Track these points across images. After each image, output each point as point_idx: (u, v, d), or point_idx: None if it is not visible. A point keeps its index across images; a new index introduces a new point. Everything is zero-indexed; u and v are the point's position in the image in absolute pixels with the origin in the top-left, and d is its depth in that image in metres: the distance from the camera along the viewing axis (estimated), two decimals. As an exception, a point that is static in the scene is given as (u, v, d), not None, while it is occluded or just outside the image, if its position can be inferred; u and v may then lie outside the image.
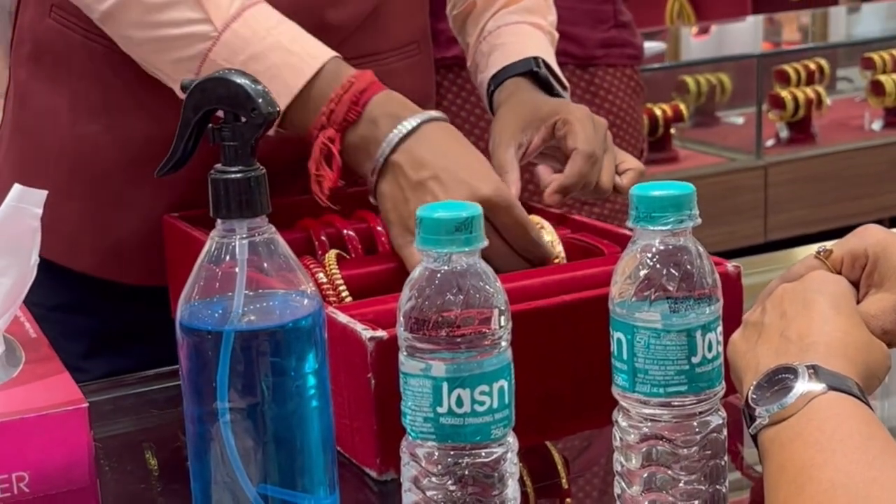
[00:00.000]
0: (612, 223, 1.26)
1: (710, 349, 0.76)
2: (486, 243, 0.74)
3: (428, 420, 0.74)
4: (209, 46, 1.05)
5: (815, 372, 0.72)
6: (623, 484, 0.78)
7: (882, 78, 4.02)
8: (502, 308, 0.74)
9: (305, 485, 0.74)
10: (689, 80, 3.96)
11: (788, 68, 3.98)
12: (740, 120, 4.04)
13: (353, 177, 1.06)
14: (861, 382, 0.74)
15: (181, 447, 0.84)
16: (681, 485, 0.76)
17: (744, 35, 4.76)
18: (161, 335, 1.03)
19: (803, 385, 0.72)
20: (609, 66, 1.97)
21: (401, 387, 0.75)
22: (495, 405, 0.74)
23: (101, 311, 1.27)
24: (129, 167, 1.20)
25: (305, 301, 0.74)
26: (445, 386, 0.73)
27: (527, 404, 0.79)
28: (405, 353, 0.74)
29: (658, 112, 3.68)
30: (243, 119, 0.73)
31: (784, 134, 3.94)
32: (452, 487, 0.74)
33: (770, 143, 3.90)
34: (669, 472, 0.76)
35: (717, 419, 0.77)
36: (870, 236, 0.85)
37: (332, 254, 1.04)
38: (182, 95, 0.95)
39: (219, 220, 0.73)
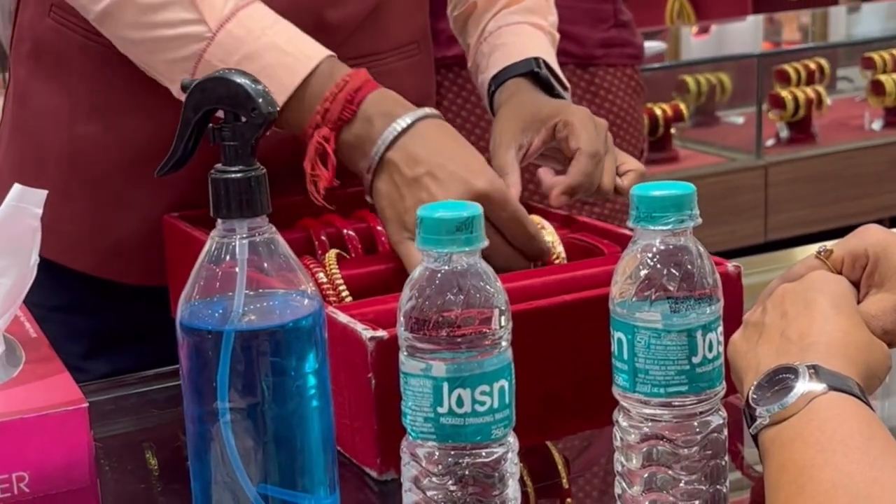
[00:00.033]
0: (612, 223, 1.26)
1: (710, 349, 0.76)
2: (486, 243, 0.74)
3: (428, 420, 0.74)
4: (204, 47, 1.05)
5: (816, 372, 0.72)
6: (624, 484, 0.78)
7: (882, 78, 4.02)
8: (503, 308, 0.74)
9: (306, 485, 0.74)
10: (689, 79, 3.95)
11: (788, 68, 3.98)
12: (740, 120, 4.04)
13: (348, 176, 1.06)
14: (862, 382, 0.74)
15: (181, 447, 0.84)
16: (681, 485, 0.76)
17: (744, 35, 4.76)
18: (161, 335, 1.03)
19: (804, 385, 0.72)
20: (609, 66, 1.96)
21: (401, 387, 0.75)
22: (496, 405, 0.74)
23: (101, 311, 1.27)
24: (129, 167, 1.20)
25: (306, 301, 0.74)
26: (446, 386, 0.73)
27: (527, 404, 0.79)
28: (405, 353, 0.74)
29: (658, 112, 3.68)
30: (243, 119, 0.73)
31: (784, 134, 3.94)
32: (453, 487, 0.74)
33: (770, 142, 3.90)
34: (670, 472, 0.76)
35: (717, 419, 0.77)
36: (870, 236, 0.85)
37: (332, 254, 1.04)
38: (179, 95, 0.95)
39: (219, 220, 0.73)
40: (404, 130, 1.03)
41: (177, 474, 0.89)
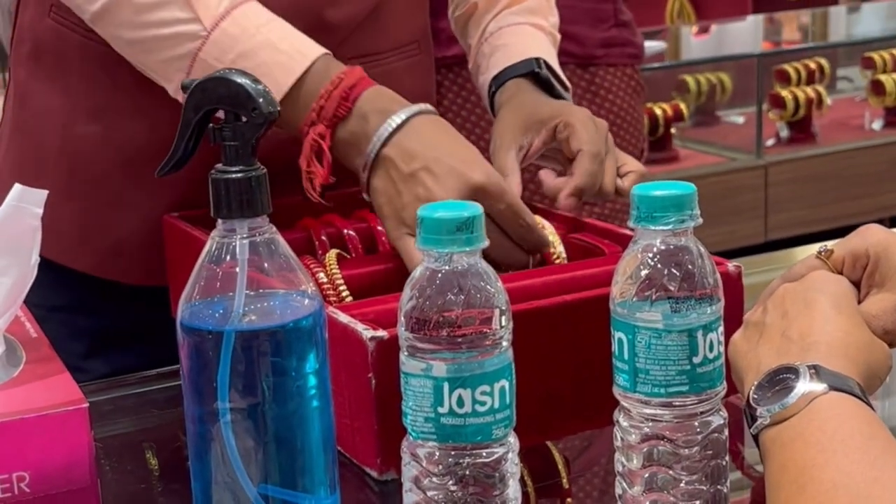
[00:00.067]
0: (612, 223, 1.26)
1: (711, 349, 0.76)
2: (487, 243, 0.74)
3: (429, 420, 0.74)
4: (199, 46, 1.05)
5: (817, 372, 0.72)
6: (624, 484, 0.78)
7: (882, 77, 4.02)
8: (503, 308, 0.74)
9: (306, 485, 0.74)
10: (689, 79, 3.96)
11: (789, 68, 3.98)
12: (740, 119, 4.04)
13: (345, 174, 1.06)
14: (862, 382, 0.73)
15: (181, 447, 0.84)
16: (682, 485, 0.76)
17: (744, 34, 4.76)
18: (161, 335, 1.03)
19: (805, 385, 0.72)
20: (609, 66, 1.96)
21: (401, 387, 0.75)
22: (496, 405, 0.74)
23: (101, 311, 1.27)
24: (129, 167, 1.20)
25: (306, 301, 0.74)
26: (446, 386, 0.73)
27: (528, 404, 0.79)
28: (406, 353, 0.74)
29: (658, 111, 3.68)
30: (244, 119, 0.73)
31: (784, 133, 3.94)
32: (453, 487, 0.74)
33: (770, 142, 3.90)
34: (670, 472, 0.76)
35: (718, 419, 0.77)
36: (871, 236, 0.85)
37: (332, 253, 1.04)
38: (175, 95, 0.95)
39: (219, 220, 0.73)
40: (399, 126, 1.03)
41: (177, 474, 0.89)
